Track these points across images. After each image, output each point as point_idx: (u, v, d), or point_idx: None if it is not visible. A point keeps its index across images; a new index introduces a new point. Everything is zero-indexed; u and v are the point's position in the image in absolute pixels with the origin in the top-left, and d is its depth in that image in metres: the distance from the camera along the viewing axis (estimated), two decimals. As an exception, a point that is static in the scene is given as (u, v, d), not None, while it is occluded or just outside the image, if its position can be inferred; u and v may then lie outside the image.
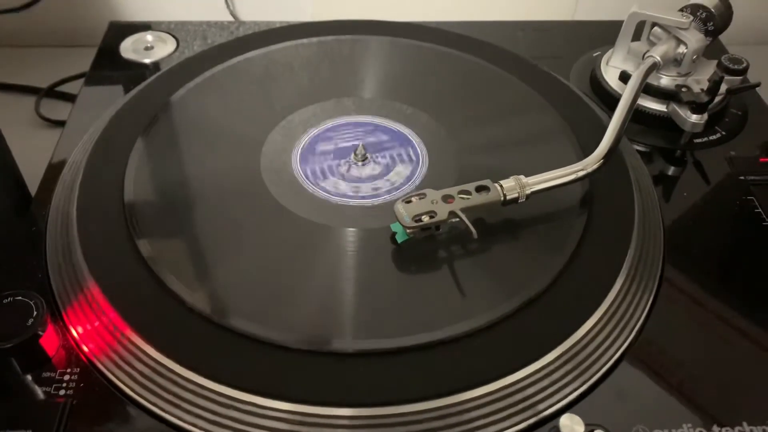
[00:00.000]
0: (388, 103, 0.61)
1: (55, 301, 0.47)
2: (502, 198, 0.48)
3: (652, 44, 0.62)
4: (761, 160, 0.59)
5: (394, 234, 0.48)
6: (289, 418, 0.40)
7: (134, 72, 0.68)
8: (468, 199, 0.48)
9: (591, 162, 0.50)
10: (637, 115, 0.60)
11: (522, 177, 0.49)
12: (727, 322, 0.47)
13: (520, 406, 0.41)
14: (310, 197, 0.52)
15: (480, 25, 0.74)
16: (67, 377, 0.43)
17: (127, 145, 0.55)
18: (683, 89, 0.59)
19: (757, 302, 0.48)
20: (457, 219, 0.47)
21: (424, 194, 0.48)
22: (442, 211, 0.47)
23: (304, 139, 0.57)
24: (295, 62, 0.65)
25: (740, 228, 0.53)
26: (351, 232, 0.50)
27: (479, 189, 0.48)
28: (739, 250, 0.52)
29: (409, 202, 0.47)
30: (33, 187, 0.56)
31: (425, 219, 0.47)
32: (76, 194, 0.51)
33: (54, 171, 0.57)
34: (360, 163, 0.55)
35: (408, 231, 0.47)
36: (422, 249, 0.48)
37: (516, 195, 0.48)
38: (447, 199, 0.47)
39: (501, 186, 0.48)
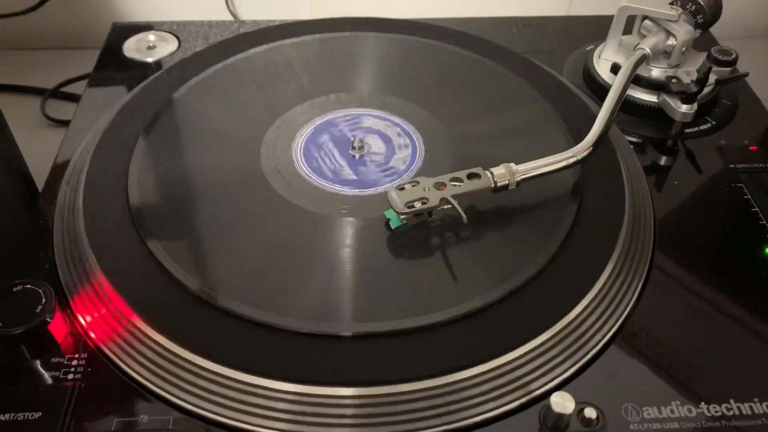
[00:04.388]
0: (385, 98, 0.62)
1: (62, 290, 0.48)
2: (493, 185, 0.49)
3: (643, 37, 0.63)
4: (751, 148, 0.60)
5: (388, 220, 0.49)
6: (294, 399, 0.41)
7: (137, 72, 0.69)
8: (459, 186, 0.48)
9: (581, 149, 0.51)
10: (628, 106, 0.61)
11: (512, 164, 0.49)
12: (716, 306, 0.48)
13: (513, 385, 0.42)
14: (310, 188, 0.53)
15: (476, 21, 0.75)
16: (75, 362, 0.44)
17: (130, 140, 0.56)
18: (673, 80, 0.60)
19: (745, 287, 0.49)
20: (449, 205, 0.48)
21: (417, 182, 0.49)
22: (434, 198, 0.48)
23: (304, 133, 0.58)
24: (294, 59, 0.66)
25: (730, 215, 0.54)
26: (350, 222, 0.51)
27: (470, 176, 0.49)
28: (728, 236, 0.53)
29: (402, 189, 0.48)
30: (40, 183, 0.57)
31: (417, 205, 0.47)
32: (82, 187, 0.52)
33: (60, 168, 0.58)
34: (358, 155, 0.56)
35: (401, 217, 0.48)
36: (416, 235, 0.49)
37: (506, 182, 0.49)
38: (439, 186, 0.48)
39: (492, 173, 0.49)
